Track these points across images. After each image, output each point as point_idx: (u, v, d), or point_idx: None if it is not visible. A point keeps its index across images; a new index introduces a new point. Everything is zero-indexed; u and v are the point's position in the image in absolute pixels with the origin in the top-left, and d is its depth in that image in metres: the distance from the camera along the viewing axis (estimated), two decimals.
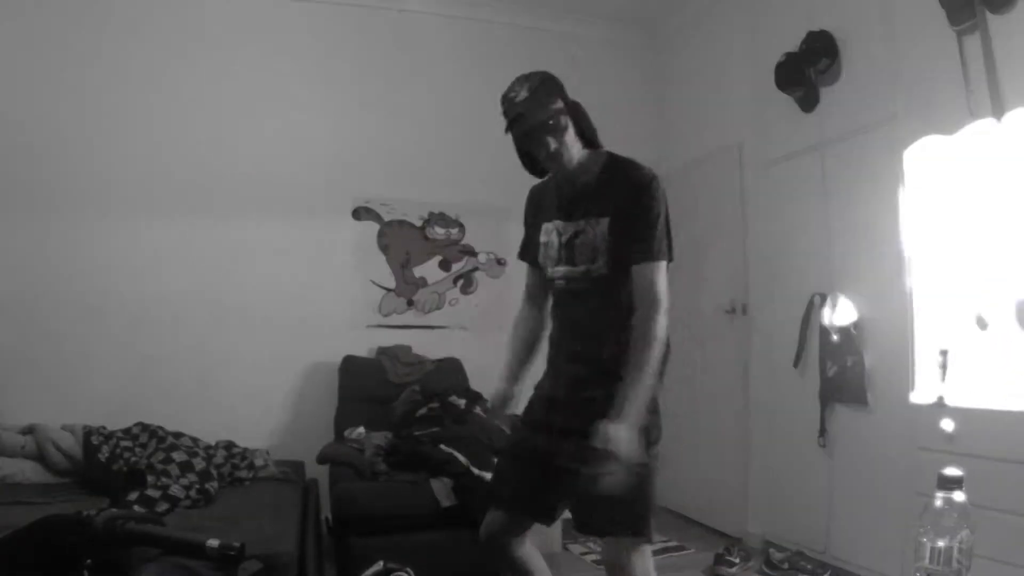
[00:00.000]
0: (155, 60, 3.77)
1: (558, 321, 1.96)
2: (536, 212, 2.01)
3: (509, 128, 1.82)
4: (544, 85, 1.81)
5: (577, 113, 1.86)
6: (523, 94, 1.79)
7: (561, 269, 1.87)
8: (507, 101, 1.81)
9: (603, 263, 1.79)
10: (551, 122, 1.79)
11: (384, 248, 4.16)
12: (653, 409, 1.80)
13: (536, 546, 1.99)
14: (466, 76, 4.27)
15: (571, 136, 1.83)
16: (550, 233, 1.91)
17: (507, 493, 1.93)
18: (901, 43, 2.90)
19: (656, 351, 1.71)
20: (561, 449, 1.79)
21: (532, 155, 1.87)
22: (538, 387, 1.97)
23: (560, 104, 1.82)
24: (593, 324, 1.83)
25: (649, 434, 1.76)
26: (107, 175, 3.68)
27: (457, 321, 4.25)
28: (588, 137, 1.89)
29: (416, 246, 4.23)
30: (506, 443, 2.06)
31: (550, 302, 1.99)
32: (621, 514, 1.73)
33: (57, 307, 3.57)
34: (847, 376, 3.09)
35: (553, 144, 1.80)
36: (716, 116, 4.14)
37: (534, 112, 1.78)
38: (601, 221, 1.80)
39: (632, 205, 1.78)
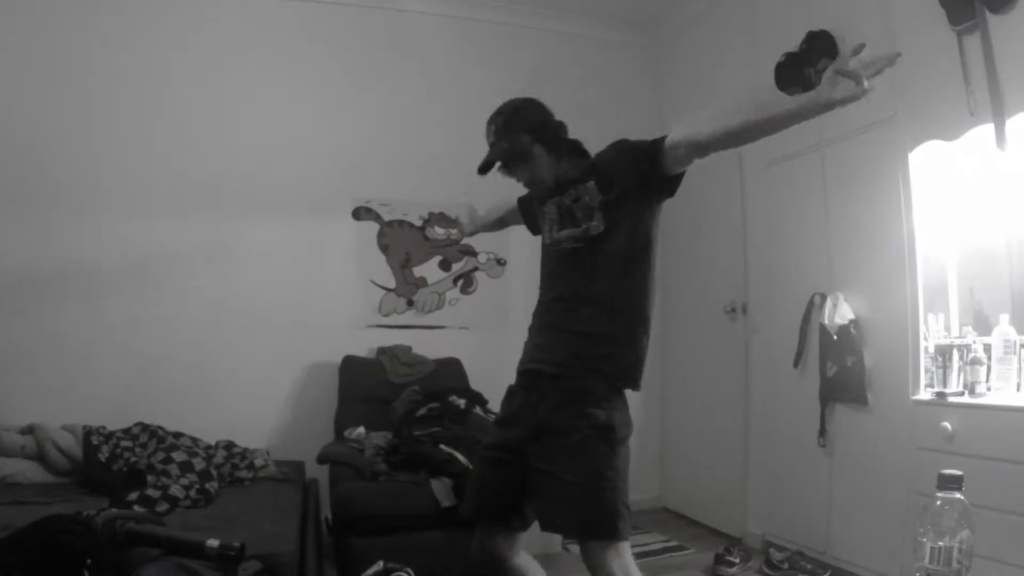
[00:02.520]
0: (155, 60, 3.77)
1: (554, 281, 1.97)
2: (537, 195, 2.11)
3: (482, 170, 2.00)
4: (508, 122, 1.99)
5: (552, 135, 2.00)
6: (491, 138, 2.01)
7: (565, 232, 1.95)
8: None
9: (599, 221, 1.87)
10: (518, 155, 1.97)
11: (384, 248, 4.16)
12: (623, 407, 1.84)
13: (536, 544, 1.99)
14: (466, 76, 4.27)
15: (544, 159, 1.98)
16: (551, 206, 2.00)
17: (475, 503, 1.94)
18: (901, 43, 2.90)
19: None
20: (532, 447, 1.81)
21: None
22: (511, 387, 1.99)
23: (526, 137, 1.97)
24: (593, 271, 1.88)
25: (617, 431, 1.79)
26: (107, 175, 3.68)
27: (457, 321, 4.25)
28: (569, 151, 2.01)
29: (416, 246, 4.23)
30: (481, 447, 2.07)
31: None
32: (589, 517, 1.71)
33: (57, 307, 3.57)
34: (847, 376, 3.08)
35: (525, 174, 2.00)
36: None
37: (500, 152, 1.97)
38: (588, 184, 1.90)
39: (621, 151, 1.92)
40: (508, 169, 2.01)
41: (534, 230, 2.23)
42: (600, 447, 1.75)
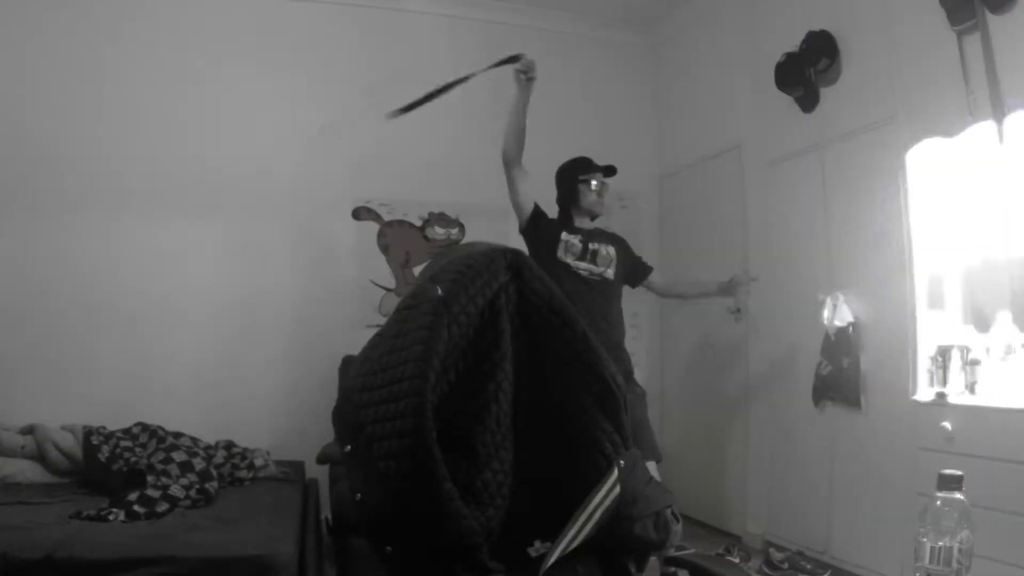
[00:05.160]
0: (156, 61, 3.77)
1: (574, 300, 2.44)
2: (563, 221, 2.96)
3: (603, 171, 2.91)
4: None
5: None
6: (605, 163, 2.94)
7: (583, 264, 2.84)
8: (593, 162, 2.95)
9: (613, 271, 2.88)
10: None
11: (384, 248, 4.16)
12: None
13: None
14: None
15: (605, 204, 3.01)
16: (573, 238, 2.85)
17: None
18: (901, 43, 2.90)
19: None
20: None
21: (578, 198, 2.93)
22: None
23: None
24: (601, 309, 2.81)
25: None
26: (107, 175, 3.68)
27: None
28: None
29: (416, 246, 4.22)
30: None
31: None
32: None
33: (57, 307, 3.56)
34: (840, 377, 3.09)
35: (604, 199, 2.96)
36: (716, 116, 4.14)
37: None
38: (611, 247, 2.90)
39: (632, 255, 3.06)
40: (605, 185, 2.93)
41: (528, 222, 2.93)
42: None
